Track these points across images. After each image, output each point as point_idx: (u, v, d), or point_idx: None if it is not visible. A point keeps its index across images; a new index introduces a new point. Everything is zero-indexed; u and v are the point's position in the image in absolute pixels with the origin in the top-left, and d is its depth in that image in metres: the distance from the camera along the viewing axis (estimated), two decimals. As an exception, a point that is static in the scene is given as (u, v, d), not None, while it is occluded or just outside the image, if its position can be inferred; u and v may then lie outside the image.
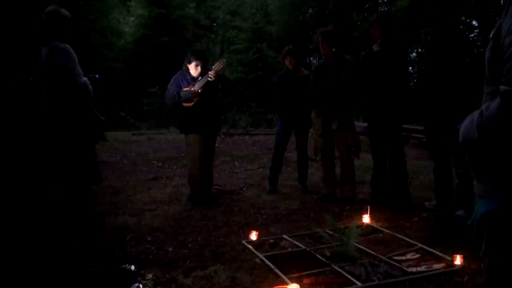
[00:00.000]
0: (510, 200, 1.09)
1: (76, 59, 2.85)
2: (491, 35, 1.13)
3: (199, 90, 4.11)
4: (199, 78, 4.18)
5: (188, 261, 2.76)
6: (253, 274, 2.53)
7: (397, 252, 2.80)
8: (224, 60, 4.30)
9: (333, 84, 4.14)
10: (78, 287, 2.40)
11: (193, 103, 4.14)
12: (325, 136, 4.29)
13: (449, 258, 2.60)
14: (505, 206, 1.10)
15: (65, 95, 2.85)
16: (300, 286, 2.26)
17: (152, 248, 3.03)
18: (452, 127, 1.43)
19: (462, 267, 2.50)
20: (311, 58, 21.85)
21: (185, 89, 4.16)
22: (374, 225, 3.43)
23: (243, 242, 3.11)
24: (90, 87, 2.91)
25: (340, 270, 2.52)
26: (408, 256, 2.73)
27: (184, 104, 4.18)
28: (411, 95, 4.37)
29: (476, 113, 1.12)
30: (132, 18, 20.67)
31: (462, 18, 15.29)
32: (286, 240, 3.14)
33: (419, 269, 2.50)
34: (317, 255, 2.78)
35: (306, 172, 4.88)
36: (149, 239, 3.24)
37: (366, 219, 3.49)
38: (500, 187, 1.11)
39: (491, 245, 1.18)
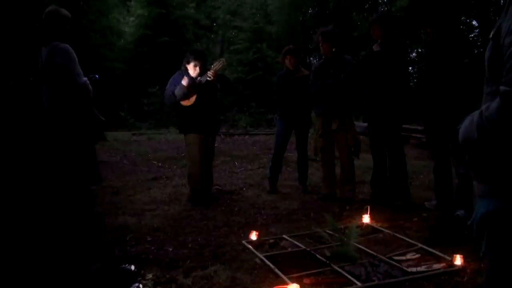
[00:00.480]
0: (510, 200, 1.09)
1: (76, 59, 2.85)
2: (491, 35, 1.13)
3: (197, 82, 4.07)
4: (198, 78, 4.18)
5: (188, 261, 2.76)
6: (253, 274, 2.53)
7: (397, 252, 2.80)
8: (223, 60, 4.29)
9: (333, 84, 4.14)
10: (78, 287, 2.41)
11: (191, 99, 4.13)
12: (325, 136, 4.29)
13: (449, 258, 2.60)
14: (505, 206, 1.10)
15: (65, 95, 2.85)
16: (300, 286, 2.26)
17: (152, 248, 3.03)
18: (452, 127, 1.42)
19: (462, 267, 2.50)
20: (311, 58, 21.87)
21: (179, 85, 4.13)
22: (374, 225, 3.43)
23: (243, 242, 3.11)
24: (90, 87, 2.91)
25: (340, 270, 2.52)
26: (408, 256, 2.73)
27: (183, 103, 4.18)
28: (411, 95, 4.37)
29: (476, 114, 1.12)
30: (132, 18, 20.70)
31: (462, 18, 15.28)
32: (286, 240, 3.14)
33: (419, 269, 2.50)
34: (317, 255, 2.78)
35: (306, 172, 4.88)
36: (149, 239, 3.24)
37: (366, 219, 3.49)
38: (500, 188, 1.11)
39: (491, 245, 1.18)
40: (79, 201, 2.93)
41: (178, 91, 4.11)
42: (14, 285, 2.30)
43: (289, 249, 2.95)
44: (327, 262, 2.65)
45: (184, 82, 4.07)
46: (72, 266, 2.51)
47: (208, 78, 4.06)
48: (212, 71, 4.06)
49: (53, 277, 2.37)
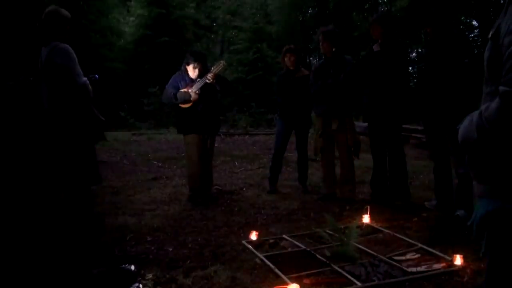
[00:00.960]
0: (509, 201, 1.09)
1: (76, 59, 2.85)
2: (490, 35, 1.13)
3: (197, 92, 4.11)
4: (198, 79, 4.18)
5: (188, 261, 2.76)
6: (253, 274, 2.53)
7: (397, 252, 2.80)
8: (223, 62, 4.31)
9: (333, 84, 4.14)
10: (78, 287, 2.41)
11: (190, 104, 4.15)
12: (325, 136, 4.29)
13: (449, 258, 2.60)
14: (505, 207, 1.10)
15: (65, 95, 2.85)
16: (300, 286, 2.26)
17: (152, 248, 3.03)
18: (451, 127, 1.42)
19: (462, 267, 2.50)
20: (311, 58, 21.88)
21: (182, 90, 4.16)
22: (374, 225, 3.43)
23: (243, 242, 3.11)
24: (90, 87, 2.91)
25: (340, 270, 2.52)
26: (408, 256, 2.73)
27: (181, 105, 4.19)
28: (411, 95, 4.37)
29: (475, 114, 1.12)
30: (132, 18, 20.70)
31: (462, 18, 15.28)
32: (286, 240, 3.14)
33: (419, 269, 2.50)
34: (317, 255, 2.78)
35: (306, 172, 4.88)
36: (149, 239, 3.24)
37: (366, 219, 3.49)
38: (500, 188, 1.11)
39: (491, 245, 1.18)
40: (79, 201, 2.93)
41: (181, 96, 4.12)
42: (15, 286, 2.30)
43: (289, 249, 2.95)
44: (327, 262, 2.65)
45: (194, 90, 4.10)
46: (73, 267, 2.51)
47: (207, 81, 4.07)
48: (211, 74, 4.07)
49: (54, 278, 2.37)
